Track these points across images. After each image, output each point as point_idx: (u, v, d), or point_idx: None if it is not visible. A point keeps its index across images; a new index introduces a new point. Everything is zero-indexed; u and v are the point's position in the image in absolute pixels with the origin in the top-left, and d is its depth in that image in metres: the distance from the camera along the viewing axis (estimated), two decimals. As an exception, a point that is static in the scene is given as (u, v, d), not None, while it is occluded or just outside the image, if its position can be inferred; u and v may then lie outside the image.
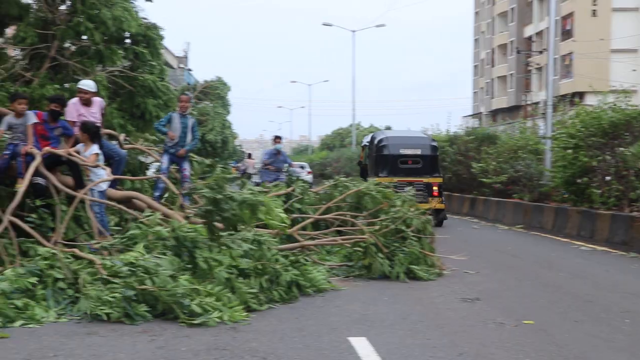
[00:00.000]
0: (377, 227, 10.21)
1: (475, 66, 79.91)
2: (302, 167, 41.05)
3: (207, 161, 13.93)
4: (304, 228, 10.89)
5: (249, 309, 7.50)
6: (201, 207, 8.75)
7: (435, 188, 17.86)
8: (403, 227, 10.16)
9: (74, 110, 10.50)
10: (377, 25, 50.70)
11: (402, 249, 9.91)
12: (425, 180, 17.97)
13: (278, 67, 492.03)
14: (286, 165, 18.79)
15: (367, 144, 20.70)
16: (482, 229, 18.49)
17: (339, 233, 11.30)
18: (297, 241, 10.32)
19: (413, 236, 10.15)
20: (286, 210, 11.35)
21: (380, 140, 19.06)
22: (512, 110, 63.24)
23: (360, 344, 6.31)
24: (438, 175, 18.51)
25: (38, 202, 9.28)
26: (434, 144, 19.23)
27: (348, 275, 9.90)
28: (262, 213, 8.76)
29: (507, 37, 67.41)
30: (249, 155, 36.92)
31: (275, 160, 18.98)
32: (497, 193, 21.62)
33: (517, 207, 19.75)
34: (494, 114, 70.49)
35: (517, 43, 63.02)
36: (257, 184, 15.92)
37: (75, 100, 10.71)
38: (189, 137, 12.01)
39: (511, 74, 65.47)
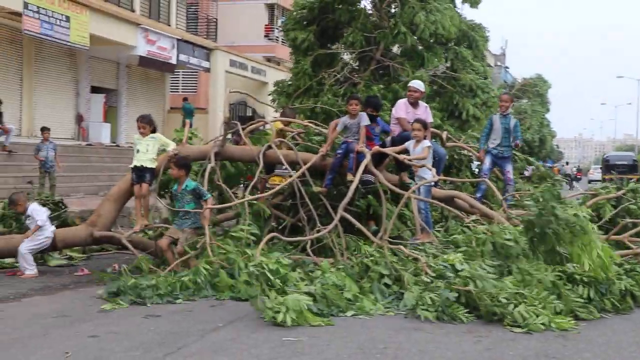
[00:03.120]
0: None
1: None
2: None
3: (542, 167, 13.57)
4: (638, 234, 10.05)
5: (576, 317, 7.10)
6: (523, 217, 8.48)
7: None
8: None
9: (403, 108, 10.83)
10: None
11: None
12: (628, 175, 31.41)
13: (603, 62, 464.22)
14: None
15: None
16: None
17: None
18: (629, 248, 9.55)
19: None
20: (616, 215, 10.61)
21: (607, 156, 43.32)
22: None
23: None
24: (636, 173, 35.95)
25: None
26: (635, 158, 38.99)
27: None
28: (581, 245, 7.97)
29: None
30: (567, 163, 38.74)
31: None
32: None
33: None
34: None
35: None
36: None
37: (404, 100, 11.05)
38: (511, 138, 11.83)
39: None
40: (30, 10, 19.97)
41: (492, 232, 8.25)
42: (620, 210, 10.67)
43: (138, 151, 9.77)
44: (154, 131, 9.89)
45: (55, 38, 21.21)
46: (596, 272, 7.60)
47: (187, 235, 9.01)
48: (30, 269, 9.35)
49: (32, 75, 23.38)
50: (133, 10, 27.46)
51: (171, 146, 9.94)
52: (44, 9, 20.42)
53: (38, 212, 9.52)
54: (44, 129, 17.24)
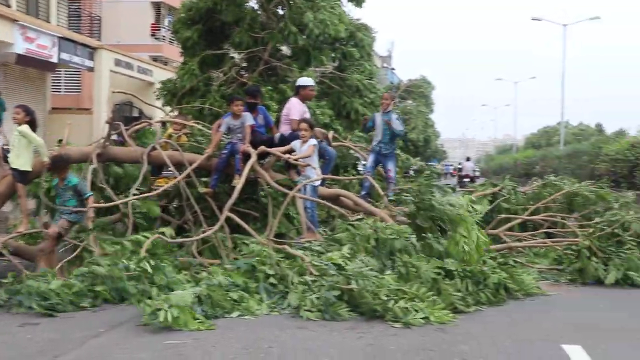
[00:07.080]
0: (591, 230, 9.65)
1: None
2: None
3: (415, 163, 13.99)
4: (511, 229, 10.56)
5: (455, 310, 7.39)
6: (406, 211, 8.78)
7: None
8: (620, 231, 9.50)
9: (298, 108, 10.83)
10: (591, 18, 47.53)
11: (618, 254, 9.27)
12: None
13: (483, 65, 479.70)
14: None
15: None
16: None
17: (548, 235, 10.84)
18: (504, 242, 10.03)
19: (632, 241, 9.47)
20: (492, 210, 11.11)
21: None
22: None
23: (576, 352, 5.99)
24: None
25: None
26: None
27: (558, 280, 9.44)
28: (460, 232, 8.38)
29: None
30: (468, 159, 39.10)
31: None
32: None
33: None
34: None
35: None
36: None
37: (297, 99, 11.03)
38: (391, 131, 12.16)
39: None
40: None
41: (376, 229, 8.46)
42: (495, 206, 11.19)
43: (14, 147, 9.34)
44: (29, 123, 9.31)
45: None
46: (471, 258, 8.09)
47: (63, 224, 8.70)
48: None
49: None
50: (9, 6, 26.32)
51: (41, 146, 9.40)
52: None
53: None
54: None
